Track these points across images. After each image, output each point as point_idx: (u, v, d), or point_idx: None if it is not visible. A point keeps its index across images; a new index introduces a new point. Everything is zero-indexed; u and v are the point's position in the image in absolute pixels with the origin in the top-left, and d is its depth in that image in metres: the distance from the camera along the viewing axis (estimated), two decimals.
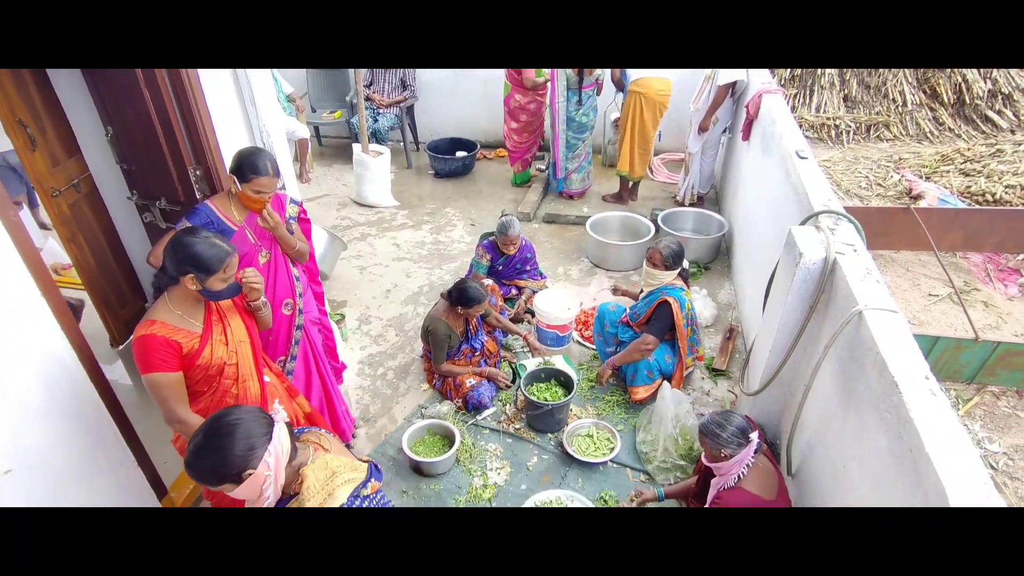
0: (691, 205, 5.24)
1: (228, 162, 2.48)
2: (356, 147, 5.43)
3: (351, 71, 6.36)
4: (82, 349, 2.06)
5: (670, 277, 3.22)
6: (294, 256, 2.56)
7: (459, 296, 3.29)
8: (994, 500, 1.41)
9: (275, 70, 5.68)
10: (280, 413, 1.51)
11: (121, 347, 3.51)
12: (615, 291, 3.83)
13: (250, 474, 1.40)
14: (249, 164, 2.24)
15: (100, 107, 2.65)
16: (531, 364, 3.64)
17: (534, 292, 4.06)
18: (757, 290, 3.31)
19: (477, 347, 3.52)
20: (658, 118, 4.91)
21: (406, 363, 3.82)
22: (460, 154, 6.15)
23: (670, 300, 3.18)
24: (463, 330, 3.45)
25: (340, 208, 5.68)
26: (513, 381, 3.56)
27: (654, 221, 4.76)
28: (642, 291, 3.51)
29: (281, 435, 1.48)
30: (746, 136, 4.32)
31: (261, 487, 1.42)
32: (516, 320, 4.07)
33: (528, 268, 4.16)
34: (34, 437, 1.90)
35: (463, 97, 6.51)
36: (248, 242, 2.38)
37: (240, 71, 2.60)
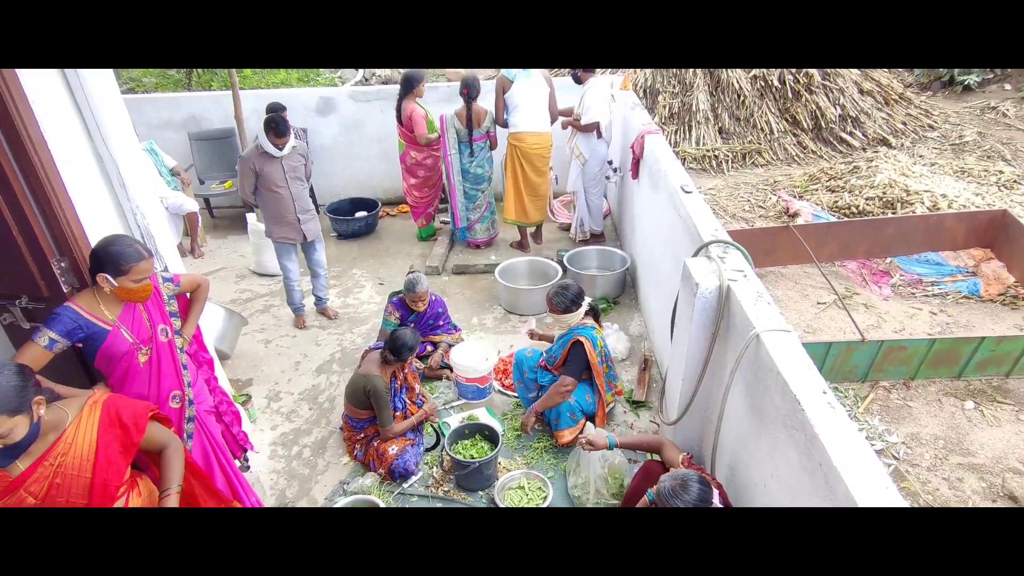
0: (587, 242, 5.42)
1: None
2: (251, 216, 5.21)
3: (236, 140, 6.17)
4: None
5: (577, 318, 3.26)
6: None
7: (392, 344, 3.19)
8: (899, 503, 1.48)
9: (154, 144, 5.40)
10: None
11: None
12: (531, 336, 3.84)
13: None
14: (120, 255, 2.08)
15: None
16: (454, 422, 3.55)
17: (450, 346, 4.00)
18: (665, 320, 3.41)
19: (399, 407, 3.38)
20: (539, 166, 5.02)
21: (323, 437, 3.61)
22: (360, 214, 6.06)
23: (582, 340, 3.21)
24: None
25: (239, 280, 5.41)
26: (437, 443, 3.44)
27: (560, 262, 4.86)
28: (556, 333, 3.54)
29: None
30: (635, 175, 4.53)
31: None
32: (433, 377, 3.97)
33: (441, 323, 4.10)
34: None
35: (359, 157, 6.46)
36: (125, 342, 2.18)
37: (104, 152, 2.42)
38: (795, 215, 5.89)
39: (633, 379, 3.90)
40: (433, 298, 4.02)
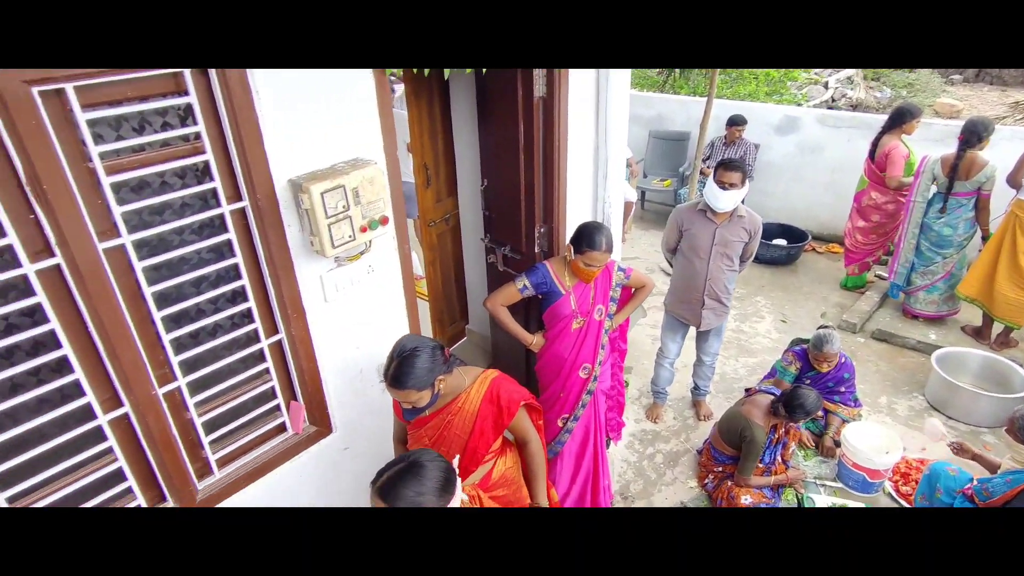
0: None
1: (570, 227, 2.71)
2: None
3: (690, 143, 6.47)
4: None
5: None
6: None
7: (790, 400, 2.97)
8: None
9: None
10: None
11: None
12: (958, 451, 3.05)
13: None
14: (587, 238, 2.40)
15: (483, 162, 3.16)
16: (820, 501, 3.14)
17: (844, 421, 3.51)
18: None
19: (767, 459, 3.16)
20: None
21: (678, 451, 3.64)
22: (780, 242, 5.72)
23: None
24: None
25: (648, 273, 5.74)
26: None
27: None
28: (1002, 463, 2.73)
29: None
30: None
31: None
32: (827, 454, 3.52)
33: (843, 390, 3.61)
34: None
35: (806, 183, 6.06)
36: (569, 307, 2.56)
37: (602, 147, 2.82)
38: None
39: None
40: (842, 360, 3.54)
